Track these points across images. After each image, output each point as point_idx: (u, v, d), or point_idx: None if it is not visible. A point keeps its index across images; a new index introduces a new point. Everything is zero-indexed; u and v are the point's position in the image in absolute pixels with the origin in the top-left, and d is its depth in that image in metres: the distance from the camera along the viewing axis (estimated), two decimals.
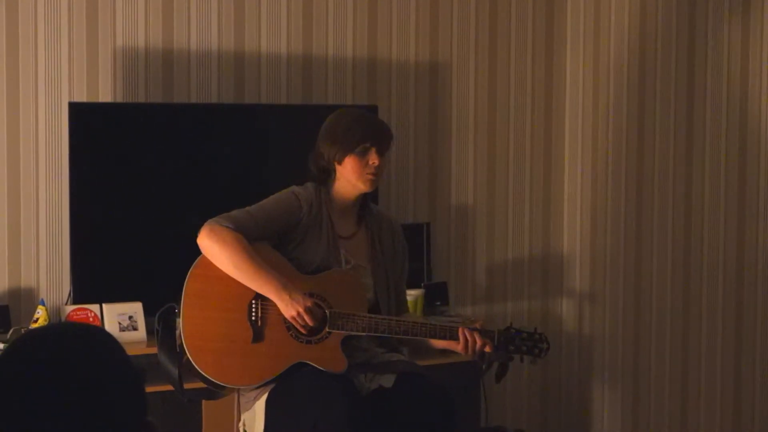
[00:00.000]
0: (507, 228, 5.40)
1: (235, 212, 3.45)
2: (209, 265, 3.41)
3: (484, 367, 3.59)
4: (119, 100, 4.56)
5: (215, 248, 3.38)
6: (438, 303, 4.95)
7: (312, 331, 3.42)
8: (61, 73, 4.50)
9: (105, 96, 4.55)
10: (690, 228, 4.98)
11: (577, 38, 5.43)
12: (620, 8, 5.23)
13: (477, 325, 3.55)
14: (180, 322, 3.39)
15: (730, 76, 4.81)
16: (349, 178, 3.52)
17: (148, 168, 4.51)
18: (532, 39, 5.41)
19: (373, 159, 3.50)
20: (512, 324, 3.63)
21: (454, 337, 3.49)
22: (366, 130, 3.52)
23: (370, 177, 3.51)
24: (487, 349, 3.49)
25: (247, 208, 3.48)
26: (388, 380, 3.43)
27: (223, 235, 3.37)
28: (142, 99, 4.60)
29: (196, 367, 3.36)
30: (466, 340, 3.47)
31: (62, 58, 4.50)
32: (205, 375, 3.36)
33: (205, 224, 3.41)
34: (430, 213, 5.19)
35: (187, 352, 3.36)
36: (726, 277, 4.87)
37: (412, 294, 4.67)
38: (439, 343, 3.56)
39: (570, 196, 5.50)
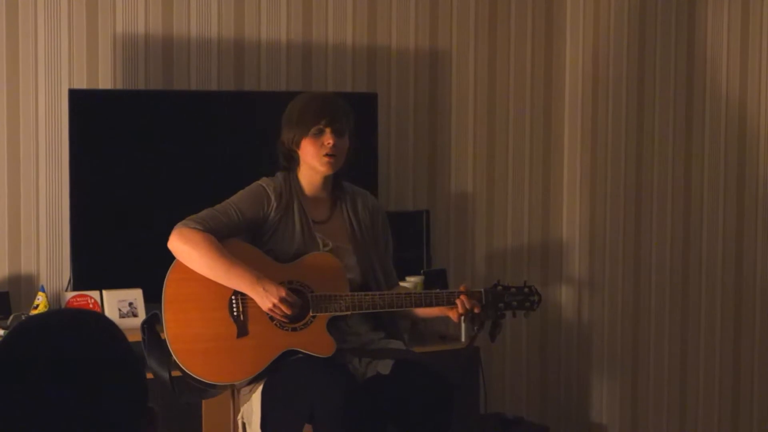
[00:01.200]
0: (506, 215, 5.41)
1: (203, 212, 3.44)
2: (184, 268, 3.40)
3: (476, 328, 3.55)
4: (119, 87, 4.56)
5: (186, 250, 3.38)
6: (436, 289, 4.95)
7: (296, 318, 3.41)
8: (61, 60, 4.50)
9: (105, 83, 4.55)
10: (689, 215, 4.99)
11: (577, 25, 5.43)
12: None
13: (462, 288, 3.49)
14: (164, 328, 3.39)
15: (729, 63, 4.81)
16: (309, 161, 3.50)
17: (147, 154, 4.51)
18: (532, 26, 5.40)
19: (328, 139, 3.47)
20: (499, 281, 3.59)
21: (440, 303, 3.47)
22: (318, 110, 3.49)
23: (326, 159, 3.49)
24: (476, 310, 3.47)
25: (215, 206, 3.46)
26: (385, 367, 3.42)
27: (192, 236, 3.37)
28: (142, 86, 4.60)
29: (186, 370, 3.35)
30: (455, 305, 3.45)
31: (62, 45, 4.50)
32: (196, 376, 3.36)
33: (174, 228, 3.41)
34: (429, 200, 5.19)
35: (174, 356, 3.36)
36: (725, 264, 4.87)
37: (411, 281, 4.67)
38: (429, 312, 3.55)
39: (569, 184, 5.50)
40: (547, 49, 5.44)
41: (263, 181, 3.54)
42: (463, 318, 3.49)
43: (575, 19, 5.43)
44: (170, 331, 3.38)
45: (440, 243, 5.20)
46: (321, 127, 3.48)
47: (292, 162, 3.55)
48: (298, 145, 3.50)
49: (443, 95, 5.22)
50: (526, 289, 3.56)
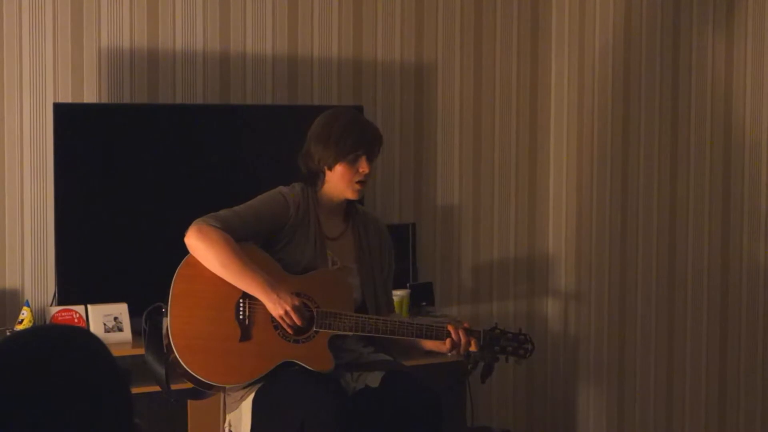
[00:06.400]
0: (492, 228, 5.41)
1: (222, 212, 3.45)
2: (196, 264, 3.41)
3: (469, 367, 3.58)
4: (104, 100, 4.55)
5: (203, 247, 3.38)
6: (424, 303, 4.95)
7: (299, 331, 3.42)
8: (46, 74, 4.48)
9: (90, 97, 4.54)
10: (675, 227, 5.00)
11: (562, 38, 5.44)
12: (605, 7, 5.24)
13: (465, 325, 3.54)
14: (167, 321, 3.39)
15: (714, 73, 4.82)
16: (338, 184, 3.53)
17: (133, 169, 4.49)
18: (518, 39, 5.41)
19: (363, 167, 3.51)
20: (497, 324, 3.63)
21: (440, 337, 3.49)
22: (359, 137, 3.52)
23: (358, 187, 3.52)
24: (473, 347, 3.49)
25: (235, 208, 3.48)
26: (374, 380, 3.43)
27: (210, 234, 3.37)
28: (127, 100, 4.59)
29: (184, 366, 3.35)
30: (453, 341, 3.47)
31: (47, 59, 4.48)
32: (193, 374, 3.36)
33: (193, 224, 3.41)
34: (415, 213, 5.19)
35: (174, 351, 3.35)
36: (711, 276, 4.88)
37: (397, 294, 4.66)
38: (425, 344, 3.56)
39: (555, 196, 5.50)
40: (533, 62, 5.45)
41: (282, 190, 3.55)
42: (459, 352, 3.51)
43: (560, 32, 5.44)
44: (174, 325, 3.37)
45: (426, 256, 5.20)
46: (359, 153, 3.50)
47: (316, 178, 3.56)
48: (330, 167, 3.52)
49: (429, 108, 5.22)
50: (521, 337, 3.58)
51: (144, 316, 3.44)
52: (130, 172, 4.49)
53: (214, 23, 4.76)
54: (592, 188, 5.33)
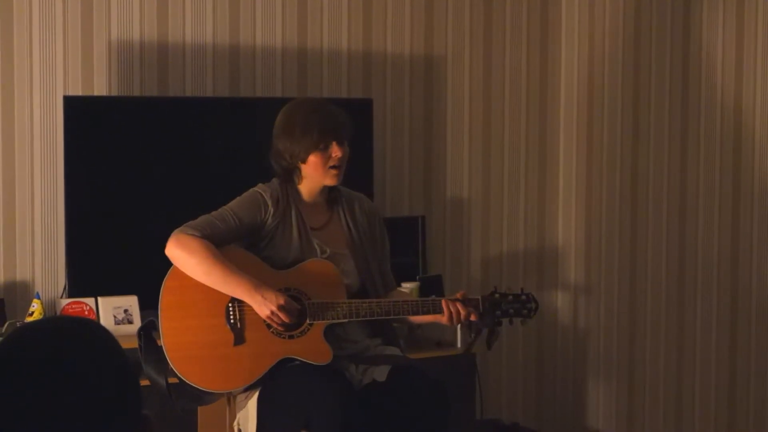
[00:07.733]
0: (502, 221, 5.41)
1: (200, 219, 3.43)
2: (181, 275, 3.39)
3: (472, 336, 3.56)
4: (114, 93, 4.56)
5: (184, 257, 3.37)
6: (433, 296, 4.94)
7: (294, 326, 3.41)
8: (56, 67, 4.49)
9: (100, 89, 4.55)
10: (685, 220, 4.99)
11: (572, 30, 5.43)
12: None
13: (458, 296, 3.50)
14: (160, 335, 3.39)
15: (724, 66, 4.82)
16: (314, 175, 3.49)
17: (143, 161, 4.50)
18: (527, 31, 5.41)
19: (336, 152, 3.47)
20: (496, 288, 3.59)
21: (437, 311, 3.47)
22: (323, 125, 3.47)
23: (334, 172, 3.48)
24: (473, 317, 3.48)
25: (212, 213, 3.45)
26: (381, 374, 3.42)
27: (190, 243, 3.36)
28: (137, 92, 4.60)
29: (183, 377, 3.35)
30: (450, 312, 3.46)
31: (57, 52, 4.49)
32: (193, 384, 3.35)
33: (172, 235, 3.40)
34: (425, 206, 5.19)
35: (171, 364, 3.35)
36: (721, 269, 4.87)
37: (407, 287, 4.67)
38: (424, 318, 3.55)
39: (565, 189, 5.50)
40: (543, 55, 5.45)
41: (260, 188, 3.53)
42: (459, 323, 3.50)
43: (570, 24, 5.44)
44: (167, 339, 3.37)
45: (436, 249, 5.20)
46: (328, 141, 3.48)
47: (292, 173, 3.54)
48: (303, 160, 3.49)
49: (438, 101, 5.22)
50: (523, 297, 3.55)
51: (137, 333, 3.43)
52: (139, 164, 4.49)
53: (223, 16, 4.77)
54: (601, 180, 5.33)
